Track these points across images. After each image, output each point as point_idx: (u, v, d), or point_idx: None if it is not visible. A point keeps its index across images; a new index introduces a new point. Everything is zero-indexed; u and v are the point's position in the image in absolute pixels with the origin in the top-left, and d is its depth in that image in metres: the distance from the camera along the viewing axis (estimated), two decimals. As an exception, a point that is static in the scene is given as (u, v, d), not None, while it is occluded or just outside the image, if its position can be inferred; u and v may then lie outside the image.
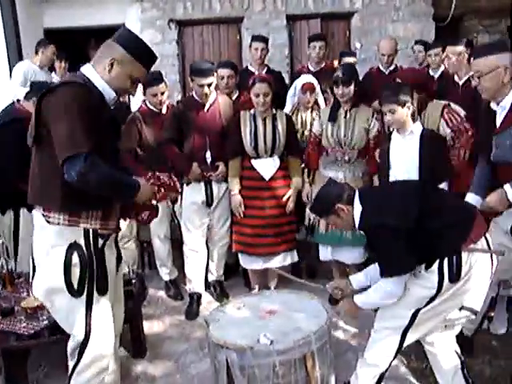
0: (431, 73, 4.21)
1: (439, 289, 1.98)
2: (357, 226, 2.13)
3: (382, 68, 4.41)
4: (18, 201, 2.97)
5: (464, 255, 1.96)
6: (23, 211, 3.13)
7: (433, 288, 1.99)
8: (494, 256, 2.05)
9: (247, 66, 4.45)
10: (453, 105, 3.21)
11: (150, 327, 3.17)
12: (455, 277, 1.96)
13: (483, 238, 2.03)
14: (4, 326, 2.45)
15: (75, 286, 1.87)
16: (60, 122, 1.74)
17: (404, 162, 2.86)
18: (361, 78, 4.22)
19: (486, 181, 2.51)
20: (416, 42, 4.84)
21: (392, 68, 4.36)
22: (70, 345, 1.98)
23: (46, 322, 2.43)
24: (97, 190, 1.82)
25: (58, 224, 1.86)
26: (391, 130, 3.03)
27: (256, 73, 4.08)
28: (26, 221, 3.00)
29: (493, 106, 2.41)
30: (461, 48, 3.60)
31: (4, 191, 3.03)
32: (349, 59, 4.29)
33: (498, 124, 2.37)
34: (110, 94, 1.93)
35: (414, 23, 5.92)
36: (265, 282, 3.50)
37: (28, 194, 1.93)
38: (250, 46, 4.30)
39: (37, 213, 1.92)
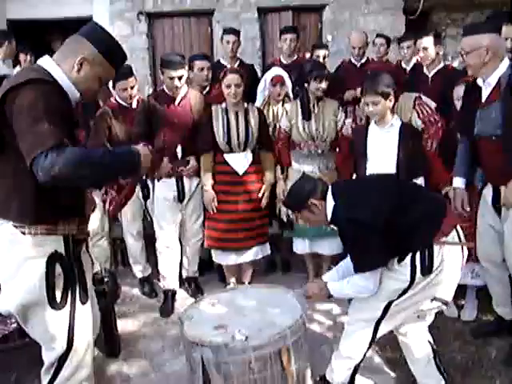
0: (404, 65, 4.23)
1: (412, 281, 2.01)
2: (329, 221, 2.12)
3: (353, 61, 4.42)
4: None
5: (436, 248, 1.99)
6: None
7: (405, 281, 2.02)
8: (465, 248, 2.09)
9: (219, 60, 4.39)
10: (423, 97, 3.25)
11: (123, 326, 3.12)
12: (427, 269, 1.98)
13: (454, 230, 2.06)
14: (-30, 330, 2.37)
15: (58, 299, 1.74)
16: (25, 123, 1.57)
17: (382, 155, 2.87)
18: (332, 70, 4.24)
19: (468, 160, 2.63)
20: (377, 36, 4.69)
21: (364, 61, 4.38)
22: (48, 357, 1.83)
23: (14, 325, 2.36)
24: (83, 179, 1.61)
25: (36, 234, 1.70)
26: (363, 122, 3.05)
27: (228, 66, 4.03)
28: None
29: (479, 82, 2.51)
30: (428, 42, 3.64)
31: None
32: (321, 52, 4.28)
33: (483, 99, 2.47)
34: (74, 94, 1.76)
35: (384, 16, 5.97)
36: (239, 277, 3.49)
37: None
38: (222, 38, 4.25)
39: (5, 224, 1.72)
